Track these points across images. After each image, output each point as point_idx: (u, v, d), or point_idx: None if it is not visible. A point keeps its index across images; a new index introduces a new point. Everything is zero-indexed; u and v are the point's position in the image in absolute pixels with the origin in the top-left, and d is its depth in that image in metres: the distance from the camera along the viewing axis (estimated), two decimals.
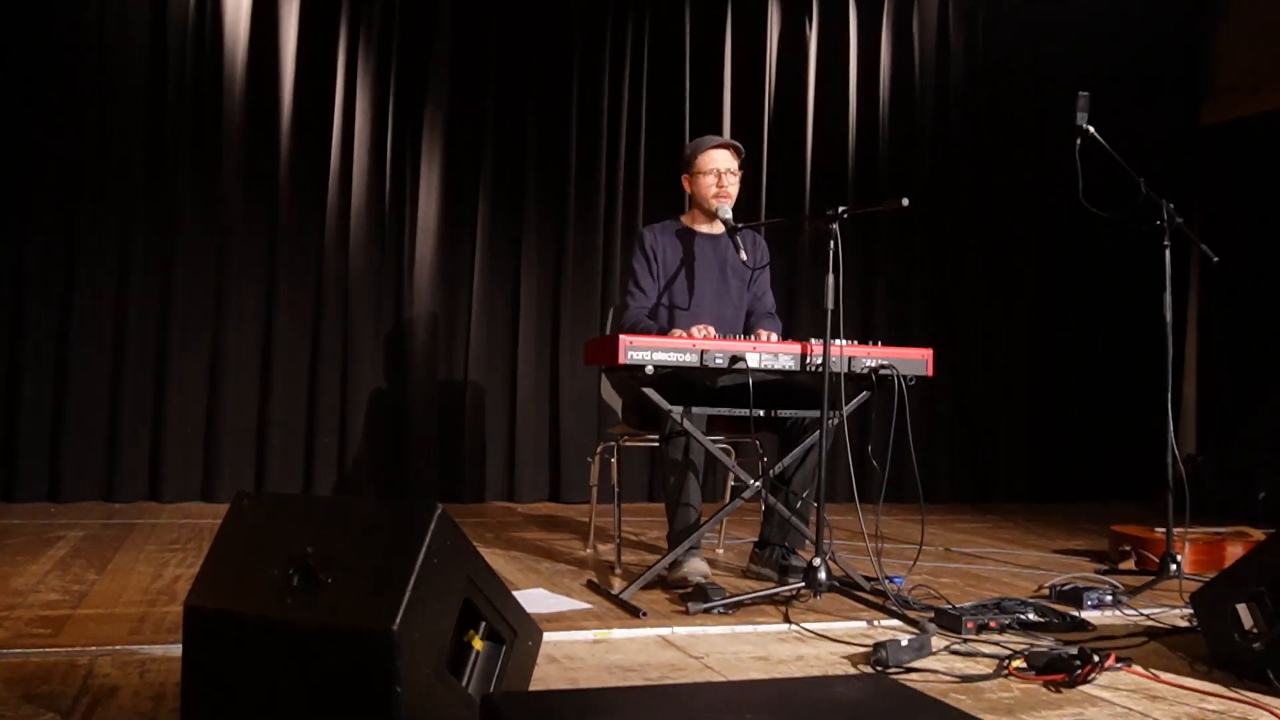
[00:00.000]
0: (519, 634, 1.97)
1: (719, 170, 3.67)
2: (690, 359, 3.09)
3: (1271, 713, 2.16)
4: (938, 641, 2.63)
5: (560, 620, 2.81)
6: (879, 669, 2.41)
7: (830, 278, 3.05)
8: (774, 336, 3.45)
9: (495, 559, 3.78)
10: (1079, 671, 2.33)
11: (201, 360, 5.20)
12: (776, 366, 3.18)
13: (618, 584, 3.30)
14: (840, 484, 5.62)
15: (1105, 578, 3.66)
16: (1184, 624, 2.98)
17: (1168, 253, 3.68)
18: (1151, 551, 3.80)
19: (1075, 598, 3.17)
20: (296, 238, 5.37)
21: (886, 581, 3.12)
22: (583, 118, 5.86)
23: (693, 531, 3.29)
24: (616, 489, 3.82)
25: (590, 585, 3.35)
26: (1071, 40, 6.70)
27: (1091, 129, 3.61)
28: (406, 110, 5.58)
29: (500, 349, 5.71)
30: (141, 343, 5.11)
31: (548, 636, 2.40)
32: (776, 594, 3.09)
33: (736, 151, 3.72)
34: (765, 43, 6.27)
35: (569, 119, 5.82)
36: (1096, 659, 2.36)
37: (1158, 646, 2.74)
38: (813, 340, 3.19)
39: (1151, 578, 3.57)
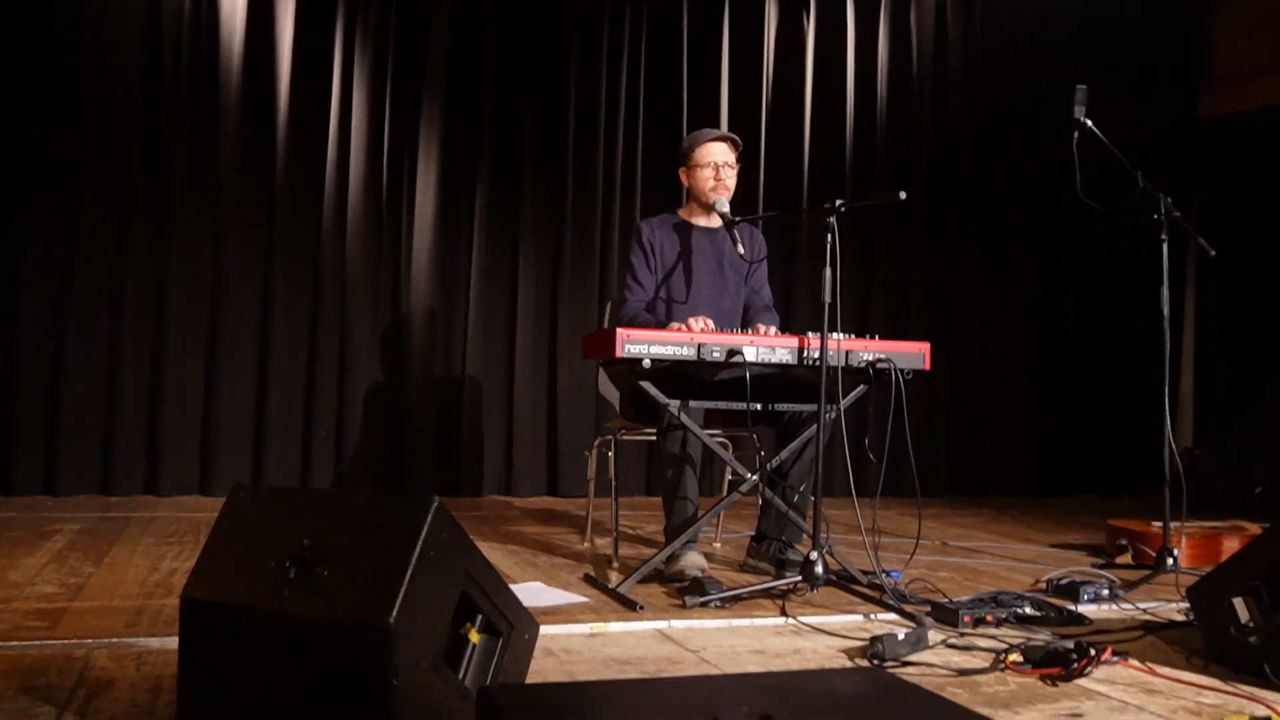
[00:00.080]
0: (516, 627, 1.97)
1: (716, 163, 3.66)
2: (687, 353, 3.09)
3: (1268, 706, 2.16)
4: (934, 635, 2.63)
5: (557, 614, 2.81)
6: (875, 662, 2.41)
7: (827, 271, 3.04)
8: (774, 330, 3.45)
9: (492, 552, 3.78)
10: (1075, 665, 2.33)
11: (198, 354, 5.20)
12: (774, 360, 3.18)
13: (615, 577, 3.30)
14: (837, 478, 5.61)
15: (1102, 572, 3.66)
16: (1180, 618, 2.99)
17: (1165, 246, 3.68)
18: (1148, 545, 3.80)
19: (1072, 592, 3.17)
20: (293, 234, 5.37)
21: (883, 575, 3.12)
22: (580, 111, 5.85)
23: (690, 525, 3.29)
24: (614, 483, 3.82)
25: (587, 579, 3.35)
26: (1069, 29, 6.69)
27: (1089, 122, 3.61)
28: (403, 106, 5.57)
29: (497, 343, 5.71)
30: (138, 336, 5.11)
31: (545, 630, 2.40)
32: (773, 588, 3.10)
33: (734, 144, 3.72)
34: (762, 35, 6.26)
35: (566, 112, 5.81)
36: (1093, 653, 2.36)
37: (1154, 640, 2.74)
38: (810, 334, 3.19)
39: (1148, 572, 3.57)
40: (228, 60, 5.26)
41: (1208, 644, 2.53)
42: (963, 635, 2.69)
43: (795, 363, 3.20)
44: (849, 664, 2.44)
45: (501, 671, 1.92)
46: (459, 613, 1.85)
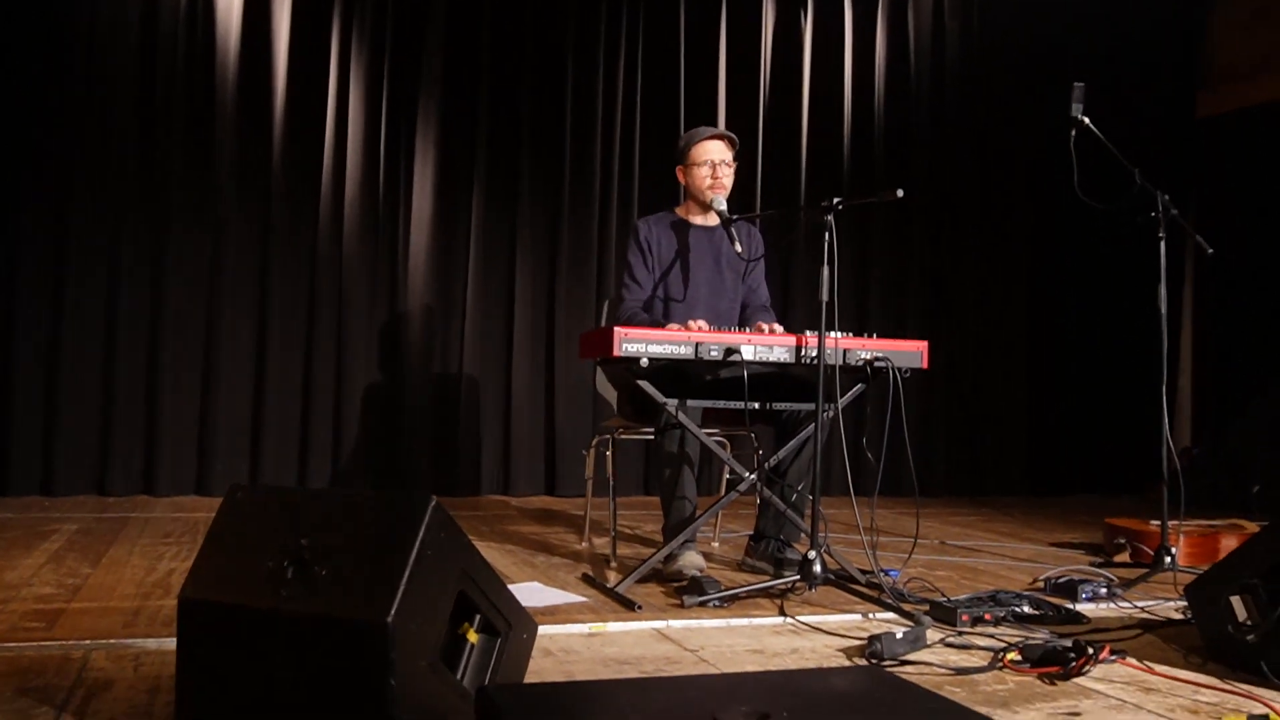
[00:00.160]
0: (514, 627, 1.97)
1: (713, 161, 3.65)
2: (685, 351, 3.09)
3: (1265, 704, 2.16)
4: (933, 634, 2.63)
5: (555, 613, 2.81)
6: (874, 661, 2.41)
7: (825, 270, 3.04)
8: (778, 329, 3.44)
9: (490, 552, 3.78)
10: (1073, 664, 2.33)
11: (195, 354, 5.20)
12: (771, 359, 3.18)
13: (613, 577, 3.30)
14: (835, 477, 5.62)
15: (1100, 570, 3.66)
16: (1178, 616, 2.99)
17: (1162, 244, 3.68)
18: (1146, 544, 3.80)
19: (1070, 590, 3.18)
20: (290, 232, 5.36)
21: (882, 574, 3.12)
22: (577, 109, 5.85)
23: (688, 524, 3.29)
24: (612, 482, 3.82)
25: (585, 578, 3.35)
26: (1067, 25, 6.70)
27: (1087, 120, 3.61)
28: (400, 101, 5.57)
29: (495, 341, 5.71)
30: (135, 335, 5.10)
31: (543, 629, 2.40)
32: (772, 587, 3.10)
33: (730, 142, 3.71)
34: (760, 31, 6.26)
35: (563, 110, 5.81)
36: (1091, 651, 2.36)
37: (1152, 639, 2.74)
38: (808, 333, 3.19)
39: (1146, 570, 3.57)
40: (224, 58, 5.25)
41: (1205, 642, 2.53)
42: (961, 634, 2.69)
43: (793, 361, 3.20)
44: (847, 663, 2.44)
45: (500, 671, 1.91)
46: (457, 612, 1.85)
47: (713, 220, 3.75)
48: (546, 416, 5.75)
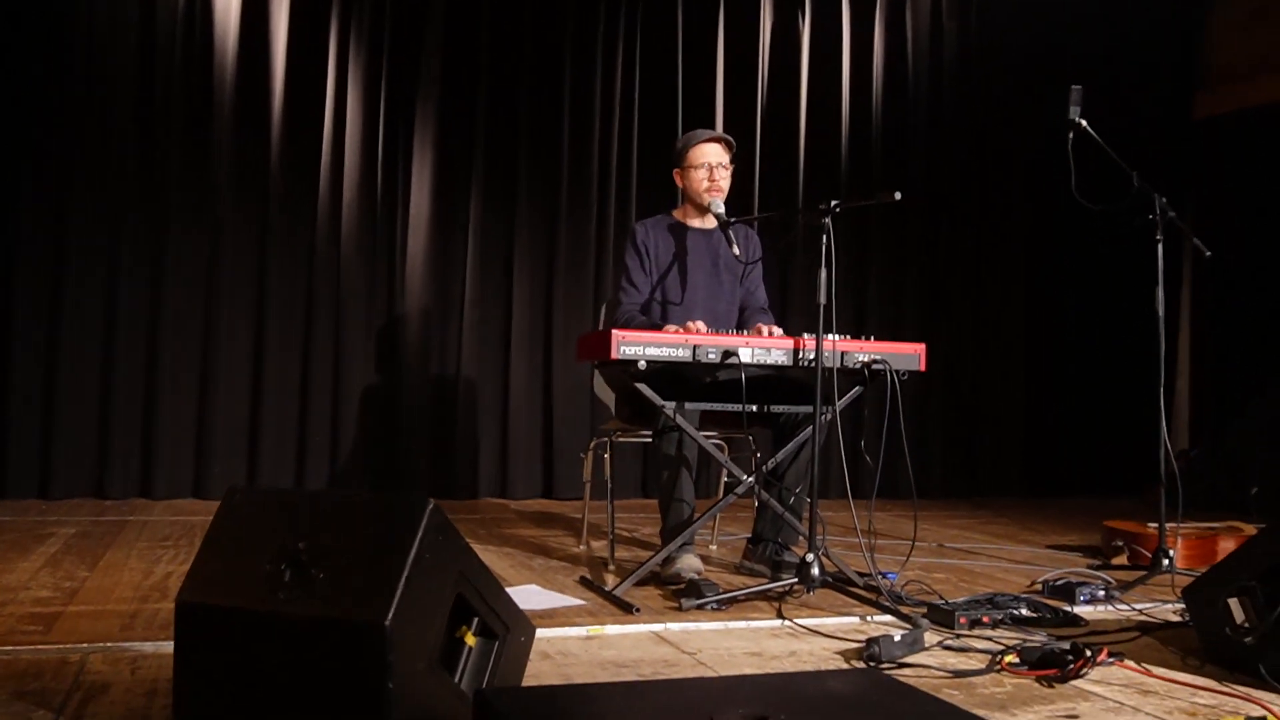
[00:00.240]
0: (512, 630, 1.96)
1: (710, 164, 3.65)
2: (683, 354, 3.09)
3: (1263, 706, 2.16)
4: (931, 637, 2.63)
5: (553, 616, 2.80)
6: (872, 664, 2.41)
7: (822, 272, 3.04)
8: (778, 331, 3.44)
9: (488, 555, 3.78)
10: (1071, 666, 2.33)
11: (193, 356, 5.19)
12: (769, 362, 3.18)
13: (611, 580, 3.30)
14: (833, 479, 5.62)
15: (1098, 573, 3.66)
16: (1176, 618, 2.99)
17: (1160, 246, 3.68)
18: (1144, 546, 3.80)
19: (1068, 593, 3.17)
20: (288, 232, 5.36)
21: (880, 577, 3.12)
22: (575, 111, 5.85)
23: (686, 527, 3.29)
24: (610, 485, 3.81)
25: (583, 581, 3.35)
26: (1064, 26, 6.70)
27: (1084, 122, 3.61)
28: (398, 102, 5.56)
29: (493, 344, 5.70)
30: (132, 338, 5.09)
31: (541, 633, 2.40)
32: (769, 590, 3.10)
33: (728, 145, 3.71)
34: (758, 33, 6.26)
35: (561, 112, 5.81)
36: (1089, 654, 2.36)
37: (1150, 641, 2.75)
38: (805, 335, 3.19)
39: (1144, 572, 3.58)
40: (222, 58, 5.25)
41: (1203, 644, 2.54)
42: (959, 637, 2.69)
43: (791, 364, 3.20)
44: (845, 666, 2.44)
45: (497, 674, 1.91)
46: (455, 615, 1.85)
47: (710, 223, 3.75)
48: (544, 419, 5.75)
